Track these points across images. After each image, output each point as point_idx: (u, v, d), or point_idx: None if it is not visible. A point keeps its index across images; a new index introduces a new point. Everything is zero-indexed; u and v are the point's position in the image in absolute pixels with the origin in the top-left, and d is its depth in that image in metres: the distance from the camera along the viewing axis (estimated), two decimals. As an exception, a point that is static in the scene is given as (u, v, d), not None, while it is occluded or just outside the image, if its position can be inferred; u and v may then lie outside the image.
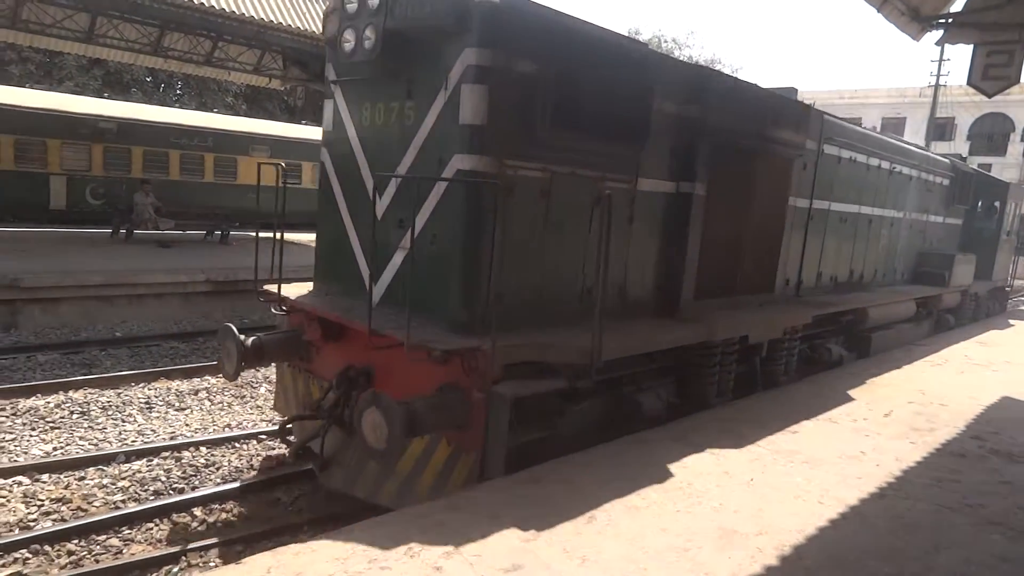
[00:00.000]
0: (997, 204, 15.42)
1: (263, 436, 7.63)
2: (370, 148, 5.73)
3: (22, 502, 5.84)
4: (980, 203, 15.64)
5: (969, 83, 9.30)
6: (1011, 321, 15.70)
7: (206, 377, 9.74)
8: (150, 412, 8.30)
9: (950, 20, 9.41)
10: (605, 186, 5.80)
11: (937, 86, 38.43)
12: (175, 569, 5.12)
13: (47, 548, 5.21)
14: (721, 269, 7.20)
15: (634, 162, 6.08)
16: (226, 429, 7.92)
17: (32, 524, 5.56)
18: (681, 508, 4.53)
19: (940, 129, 43.47)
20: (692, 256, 6.70)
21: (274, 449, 7.34)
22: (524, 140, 5.08)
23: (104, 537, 5.44)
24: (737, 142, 7.00)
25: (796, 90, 9.32)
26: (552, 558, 3.73)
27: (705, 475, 5.11)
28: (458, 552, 3.70)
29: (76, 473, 6.45)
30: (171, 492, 6.28)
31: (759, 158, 7.43)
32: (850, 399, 7.69)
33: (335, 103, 6.02)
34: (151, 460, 6.84)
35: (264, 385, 9.59)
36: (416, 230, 5.25)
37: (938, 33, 9.46)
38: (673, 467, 5.18)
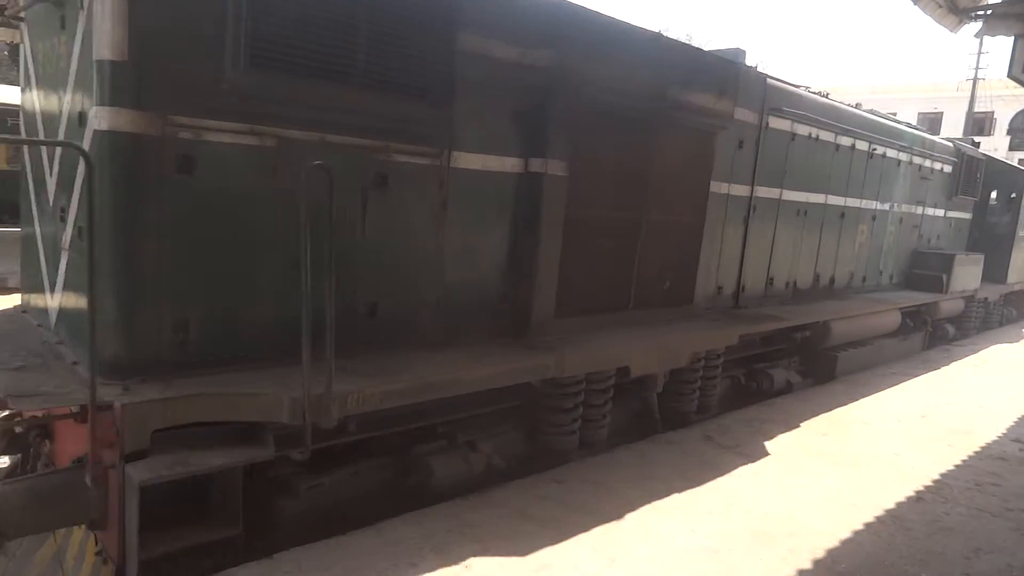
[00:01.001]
0: (1014, 195, 13.29)
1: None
2: (42, 104, 4.08)
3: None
4: (996, 194, 13.54)
5: (1009, 76, 8.43)
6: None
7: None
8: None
9: (989, 11, 8.80)
10: (388, 158, 4.12)
11: (976, 79, 36.00)
12: None
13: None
14: (601, 276, 5.43)
15: (442, 128, 4.34)
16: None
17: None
18: (711, 509, 4.47)
19: (979, 124, 41.31)
20: (548, 258, 4.95)
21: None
22: (209, 87, 3.37)
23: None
24: (618, 106, 5.23)
25: (744, 52, 7.48)
26: (581, 557, 3.71)
27: (735, 476, 5.05)
28: (487, 550, 3.65)
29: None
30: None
31: (658, 129, 5.63)
32: (884, 400, 7.57)
33: (22, 48, 4.39)
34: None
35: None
36: (68, 221, 3.62)
37: (977, 25, 8.62)
38: (703, 468, 5.10)
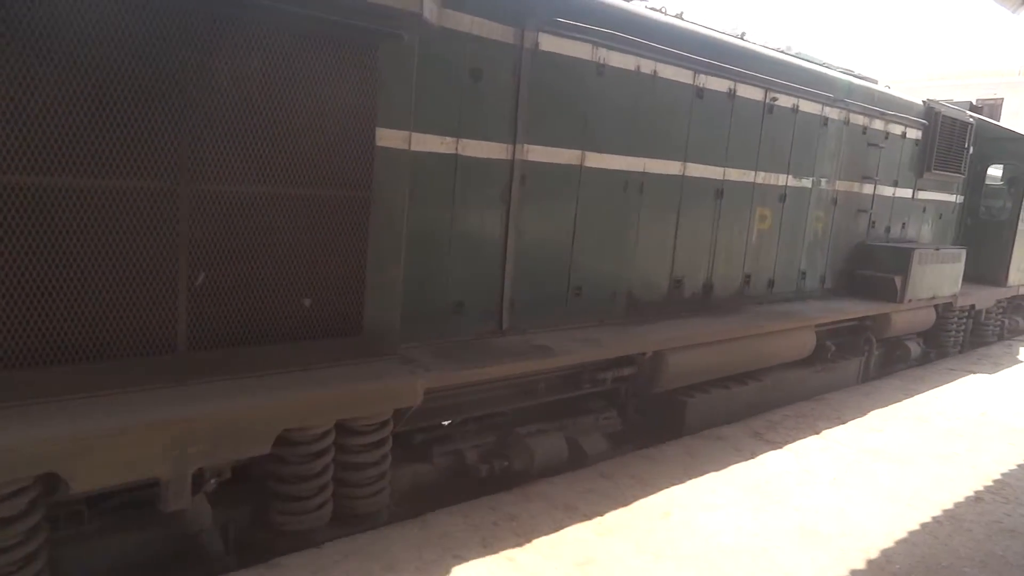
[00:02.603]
0: (1016, 173, 10.22)
1: None
2: None
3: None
4: (993, 170, 10.54)
5: None
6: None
7: None
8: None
9: (1055, -10, 7.78)
10: None
11: (1039, 62, 32.32)
12: None
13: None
14: (73, 292, 2.91)
15: None
16: None
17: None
18: (759, 506, 4.38)
19: (1043, 109, 37.78)
20: None
21: None
22: None
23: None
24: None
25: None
26: (625, 553, 3.68)
27: (784, 473, 4.95)
28: (532, 544, 3.66)
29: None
30: None
31: (205, 27, 3.08)
32: (941, 396, 7.34)
33: None
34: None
35: None
36: None
37: (1040, 5, 7.96)
38: (751, 464, 5.03)
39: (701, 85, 5.75)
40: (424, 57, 3.98)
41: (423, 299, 4.33)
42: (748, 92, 6.19)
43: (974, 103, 10.97)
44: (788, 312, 6.62)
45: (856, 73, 7.85)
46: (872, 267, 7.97)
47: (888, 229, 8.63)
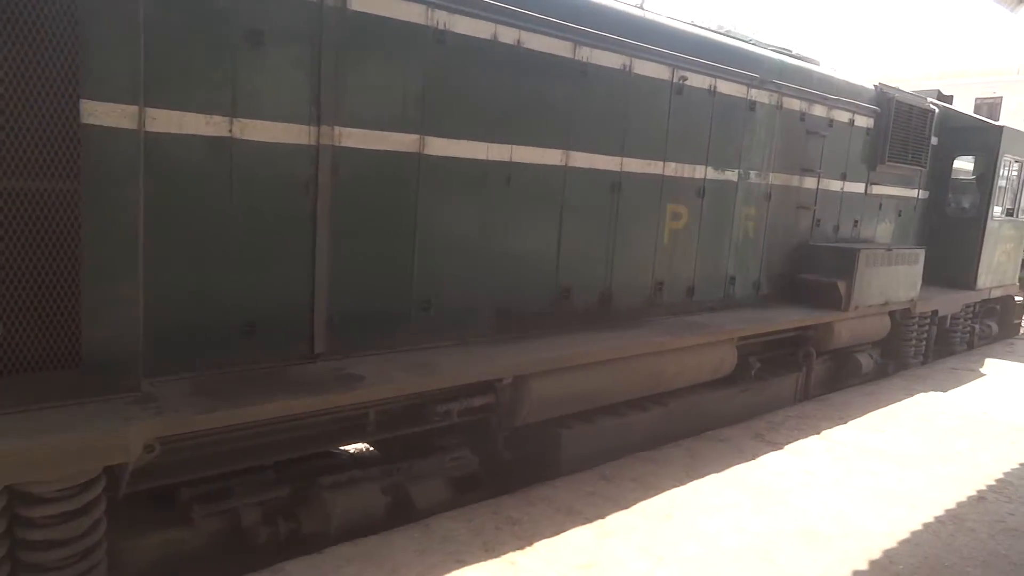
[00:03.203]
0: (982, 170, 9.34)
1: None
2: None
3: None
4: (960, 162, 9.68)
5: None
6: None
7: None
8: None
9: (1051, -11, 7.71)
10: None
11: (1039, 60, 31.71)
12: None
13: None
14: None
15: None
16: None
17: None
18: (761, 508, 4.36)
19: (1042, 107, 37.21)
20: None
21: None
22: None
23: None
24: None
25: None
26: (627, 556, 3.68)
27: (786, 474, 4.91)
28: (533, 548, 3.67)
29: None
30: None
31: None
32: (943, 396, 7.28)
33: None
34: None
35: None
36: None
37: (1038, 3, 7.78)
38: (752, 466, 5.01)
39: (584, 59, 4.88)
40: (171, 11, 3.15)
41: (197, 320, 3.47)
42: (648, 69, 5.33)
43: (940, 93, 10.10)
44: (703, 324, 5.74)
45: (794, 53, 6.99)
46: (815, 270, 7.10)
47: (837, 228, 7.75)
